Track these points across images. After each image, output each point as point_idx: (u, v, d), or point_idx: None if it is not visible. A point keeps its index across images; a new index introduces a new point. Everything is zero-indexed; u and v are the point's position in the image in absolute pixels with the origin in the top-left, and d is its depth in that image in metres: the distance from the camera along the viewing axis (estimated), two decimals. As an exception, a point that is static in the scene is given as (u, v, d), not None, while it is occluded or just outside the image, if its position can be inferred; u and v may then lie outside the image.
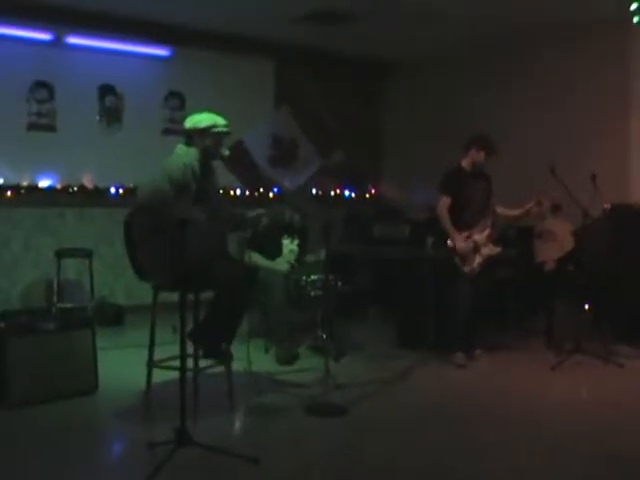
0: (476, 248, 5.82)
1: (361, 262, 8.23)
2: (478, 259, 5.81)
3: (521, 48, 8.05)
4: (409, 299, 6.46)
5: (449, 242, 5.80)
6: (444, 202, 5.83)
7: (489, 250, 5.87)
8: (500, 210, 6.02)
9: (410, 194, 8.54)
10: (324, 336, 5.60)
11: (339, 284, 5.97)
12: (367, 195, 9.65)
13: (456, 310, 5.79)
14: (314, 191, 9.03)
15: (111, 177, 7.64)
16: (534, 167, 6.23)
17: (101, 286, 7.52)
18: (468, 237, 5.83)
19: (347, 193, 9.48)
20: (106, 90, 7.77)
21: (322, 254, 5.79)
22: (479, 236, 5.86)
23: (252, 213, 4.57)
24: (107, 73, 7.73)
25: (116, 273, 7.63)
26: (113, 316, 7.27)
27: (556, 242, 6.79)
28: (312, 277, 5.87)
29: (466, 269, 5.77)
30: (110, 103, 7.79)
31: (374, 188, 9.70)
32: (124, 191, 7.67)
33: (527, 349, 6.29)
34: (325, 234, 5.00)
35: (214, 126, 4.41)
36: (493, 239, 5.90)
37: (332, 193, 9.33)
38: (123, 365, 5.49)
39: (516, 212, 6.00)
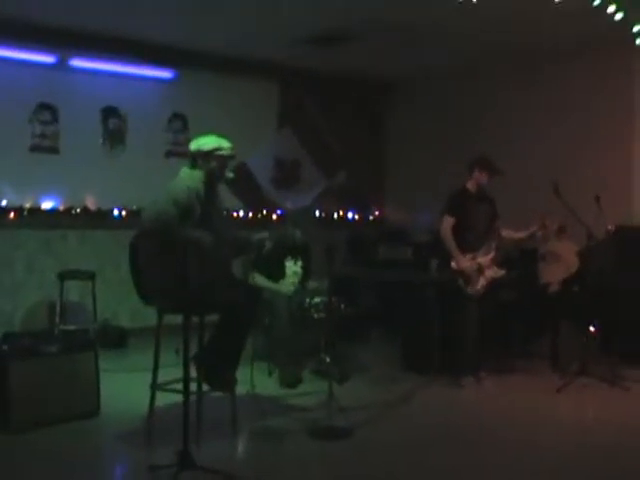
0: (480, 270, 5.86)
1: (364, 284, 8.25)
2: (482, 281, 5.86)
3: (523, 64, 8.10)
4: (413, 322, 6.47)
5: (453, 263, 5.85)
6: (448, 222, 5.89)
7: (493, 273, 5.92)
8: (505, 233, 6.08)
9: (414, 215, 8.58)
10: (327, 359, 5.61)
11: (342, 306, 6.00)
12: (370, 217, 9.69)
13: (464, 334, 5.83)
14: (317, 213, 9.08)
15: (114, 199, 7.68)
16: (538, 186, 6.28)
17: (104, 308, 7.53)
18: (472, 259, 5.87)
19: (350, 215, 9.53)
20: (109, 112, 7.83)
21: (325, 283, 5.83)
22: (483, 258, 5.91)
23: (256, 236, 4.61)
24: (110, 95, 7.79)
25: (120, 296, 7.63)
26: (116, 339, 7.29)
27: (560, 263, 6.81)
28: (315, 299, 5.90)
29: (470, 290, 5.82)
30: (113, 125, 7.86)
31: (377, 210, 9.74)
32: (127, 213, 7.71)
33: (532, 371, 6.29)
34: (328, 257, 5.04)
35: (219, 149, 4.45)
36: (497, 262, 5.95)
37: (335, 215, 9.38)
38: (126, 388, 5.50)
39: (521, 235, 6.05)
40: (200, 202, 4.33)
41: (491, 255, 5.93)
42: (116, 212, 7.71)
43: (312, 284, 6.37)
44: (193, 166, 4.46)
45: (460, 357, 5.90)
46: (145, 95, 8.01)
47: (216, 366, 4.39)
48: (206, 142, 4.46)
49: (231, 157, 4.51)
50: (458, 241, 5.84)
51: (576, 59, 7.67)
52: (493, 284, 5.90)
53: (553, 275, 6.82)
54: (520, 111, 8.23)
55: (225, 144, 4.49)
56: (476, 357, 5.90)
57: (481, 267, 5.87)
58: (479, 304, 5.82)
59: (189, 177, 4.40)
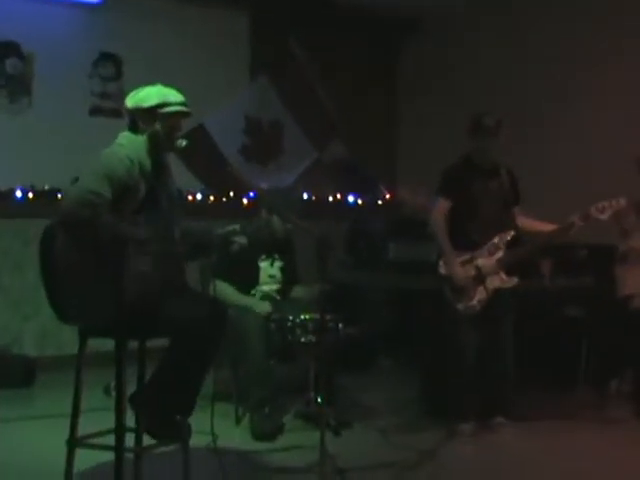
0: (479, 277, 5.82)
1: (371, 295, 8.27)
2: (480, 293, 5.83)
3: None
4: (437, 347, 6.50)
5: (441, 266, 5.86)
6: (441, 207, 5.90)
7: (499, 281, 5.86)
8: (524, 223, 6.01)
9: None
10: (319, 399, 5.64)
11: (340, 326, 6.00)
12: (379, 202, 9.71)
13: (455, 363, 5.89)
14: (305, 196, 9.09)
15: (15, 175, 7.66)
16: (602, 161, 6.28)
17: (2, 331, 7.53)
18: (469, 261, 5.85)
19: (351, 199, 9.54)
20: (7, 50, 7.80)
21: (315, 289, 5.84)
22: (485, 260, 5.85)
23: (220, 230, 4.60)
24: (8, 26, 7.74)
25: (24, 312, 7.62)
26: (19, 373, 7.26)
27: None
28: (302, 317, 5.91)
29: (460, 306, 5.81)
30: (13, 69, 7.83)
31: (388, 192, 9.75)
32: (35, 195, 7.69)
33: (605, 422, 6.28)
34: (319, 256, 5.04)
35: (165, 104, 4.42)
36: (506, 265, 5.90)
37: (330, 199, 9.38)
38: (32, 443, 5.47)
39: (549, 228, 5.92)
40: (146, 180, 4.32)
41: (498, 255, 5.89)
42: (19, 193, 7.69)
43: (297, 291, 6.37)
44: (134, 129, 4.44)
45: (452, 396, 5.95)
46: (59, 26, 8.00)
47: (163, 410, 4.37)
48: (148, 95, 4.44)
49: (183, 115, 4.50)
50: (453, 234, 5.83)
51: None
52: (499, 296, 5.88)
53: (637, 284, 6.84)
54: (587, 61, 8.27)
55: (174, 97, 4.47)
56: (484, 396, 5.92)
57: (481, 274, 5.83)
58: (476, 325, 5.82)
59: (131, 145, 4.39)
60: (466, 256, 5.85)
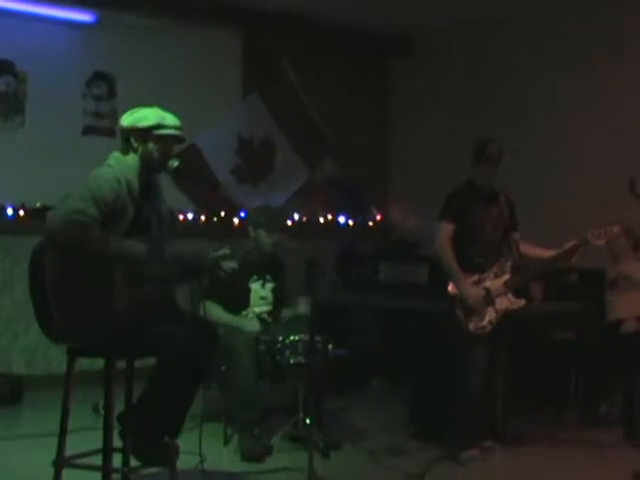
0: (489, 298, 5.84)
1: (361, 316, 8.26)
2: (490, 315, 5.83)
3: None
4: (428, 369, 6.48)
5: (450, 287, 5.86)
6: (445, 230, 5.90)
7: (507, 302, 5.89)
8: (526, 249, 6.03)
9: (429, 220, 8.59)
10: (308, 421, 5.62)
11: (330, 347, 6.00)
12: (369, 223, 9.70)
13: (468, 387, 5.84)
14: (295, 216, 9.08)
15: (7, 192, 7.64)
16: (596, 184, 6.28)
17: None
18: (477, 282, 5.86)
19: (342, 220, 9.53)
20: (0, 68, 7.79)
21: (301, 306, 5.82)
22: (493, 282, 5.88)
23: (212, 254, 4.59)
24: (2, 44, 7.73)
25: (14, 330, 7.60)
26: (7, 392, 7.22)
27: (638, 292, 6.83)
28: (291, 338, 5.90)
29: (471, 327, 5.81)
30: (6, 87, 7.83)
31: (379, 213, 9.75)
32: (26, 213, 7.68)
33: (594, 445, 6.26)
34: (309, 277, 5.03)
35: (161, 126, 4.43)
36: (513, 287, 5.92)
37: (321, 219, 9.38)
38: (18, 464, 5.45)
39: (550, 254, 5.95)
40: (134, 202, 4.31)
41: (505, 278, 5.91)
42: (10, 211, 7.67)
43: (287, 312, 6.36)
44: (126, 150, 4.43)
45: (458, 421, 5.90)
46: (53, 45, 7.99)
47: (151, 430, 4.35)
48: (144, 116, 4.43)
49: (176, 138, 4.50)
50: (458, 258, 5.84)
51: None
52: (507, 318, 5.87)
53: (628, 308, 6.84)
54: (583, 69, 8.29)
55: (170, 120, 4.47)
56: (479, 421, 5.90)
57: (490, 295, 5.85)
58: (487, 346, 5.82)
59: (120, 166, 4.38)
60: (474, 277, 5.87)
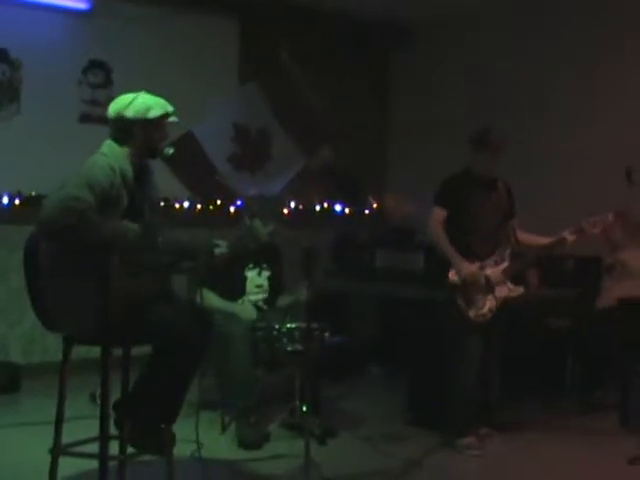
0: (489, 286, 5.84)
1: (358, 304, 8.27)
2: (490, 302, 5.84)
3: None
4: (426, 356, 6.49)
5: (451, 273, 5.85)
6: (436, 215, 5.90)
7: (507, 291, 5.89)
8: (523, 237, 6.05)
9: (425, 209, 8.58)
10: (304, 408, 5.63)
11: (326, 335, 6.00)
12: (366, 211, 9.70)
13: (462, 374, 5.85)
14: (292, 204, 9.08)
15: (3, 180, 7.64)
16: (592, 172, 6.25)
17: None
18: (479, 270, 5.86)
19: (338, 208, 9.53)
20: (-4, 56, 7.81)
21: (302, 293, 5.82)
22: (493, 270, 5.88)
23: (207, 242, 4.59)
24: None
25: (10, 319, 7.60)
26: (4, 380, 7.23)
27: (635, 279, 6.83)
28: (288, 326, 5.90)
29: (471, 314, 5.81)
30: (1, 75, 7.81)
31: (376, 201, 9.74)
32: (22, 201, 7.67)
33: (590, 432, 6.30)
34: (306, 265, 5.03)
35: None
36: (512, 275, 5.91)
37: (317, 208, 9.38)
38: (16, 451, 5.46)
39: (546, 241, 5.96)
40: (128, 190, 4.30)
41: (503, 266, 5.91)
42: (5, 199, 7.66)
43: (284, 299, 6.36)
44: (117, 138, 4.41)
45: (454, 408, 5.91)
46: (48, 33, 7.96)
47: (147, 418, 4.36)
48: (132, 102, 4.40)
49: (171, 124, 4.48)
50: (456, 246, 5.83)
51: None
52: (506, 305, 5.88)
53: (620, 295, 6.84)
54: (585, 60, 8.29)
55: (162, 106, 4.45)
56: (475, 409, 5.92)
57: (490, 283, 5.85)
58: (485, 334, 5.82)
59: (113, 154, 4.36)
60: (476, 265, 5.86)
